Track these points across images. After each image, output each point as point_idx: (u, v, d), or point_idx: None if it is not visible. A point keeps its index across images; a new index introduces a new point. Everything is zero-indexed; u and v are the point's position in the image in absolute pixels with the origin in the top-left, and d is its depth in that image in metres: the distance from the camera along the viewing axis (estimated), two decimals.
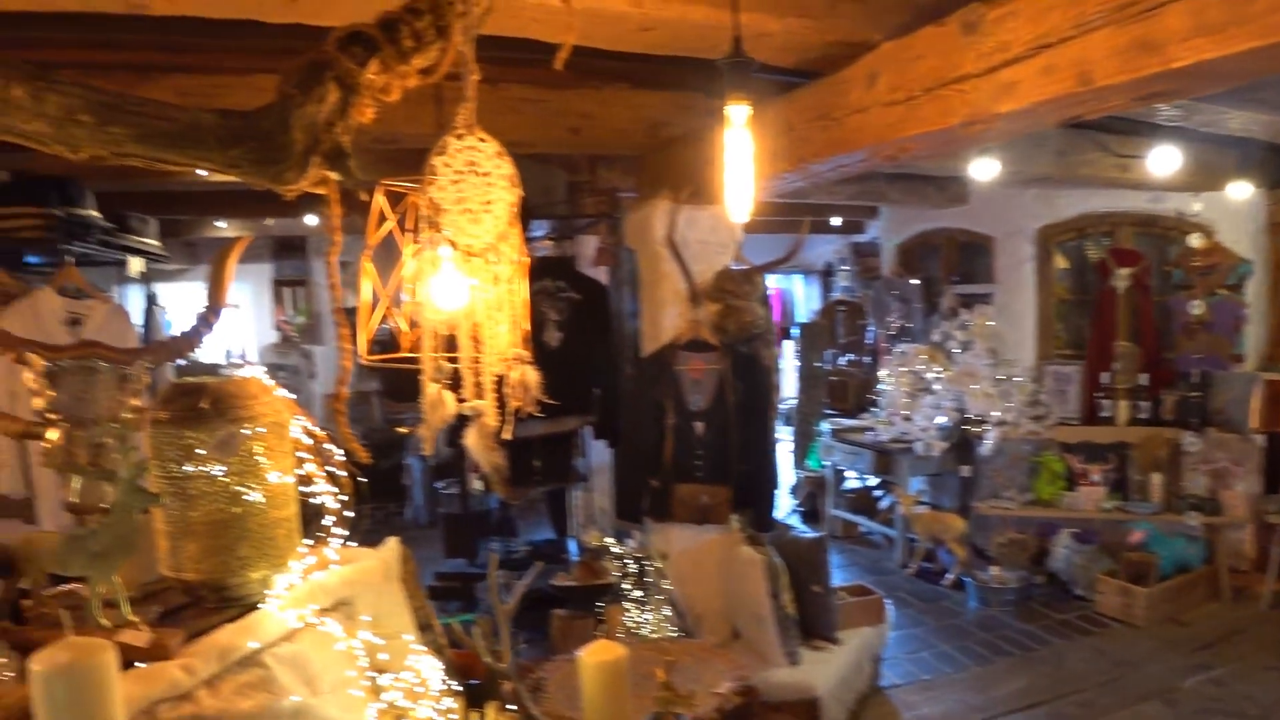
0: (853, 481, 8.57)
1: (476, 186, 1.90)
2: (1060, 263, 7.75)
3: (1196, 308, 6.79)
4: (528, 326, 1.99)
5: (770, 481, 4.88)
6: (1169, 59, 2.20)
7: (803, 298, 13.25)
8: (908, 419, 7.24)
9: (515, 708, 2.11)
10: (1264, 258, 6.80)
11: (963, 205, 7.97)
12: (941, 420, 7.04)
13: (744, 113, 2.42)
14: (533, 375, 1.94)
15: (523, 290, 2.01)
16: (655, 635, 4.35)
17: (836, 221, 9.95)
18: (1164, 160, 5.26)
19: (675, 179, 4.64)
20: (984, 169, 5.16)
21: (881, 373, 7.85)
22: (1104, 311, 7.14)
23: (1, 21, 2.71)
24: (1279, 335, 6.85)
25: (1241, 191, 5.89)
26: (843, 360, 9.49)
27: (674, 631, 4.46)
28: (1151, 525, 6.37)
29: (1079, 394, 7.23)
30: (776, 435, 5.28)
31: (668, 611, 4.53)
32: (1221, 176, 5.95)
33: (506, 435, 1.94)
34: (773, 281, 13.24)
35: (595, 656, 2.03)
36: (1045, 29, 2.52)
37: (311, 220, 8.24)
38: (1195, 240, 6.81)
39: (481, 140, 1.92)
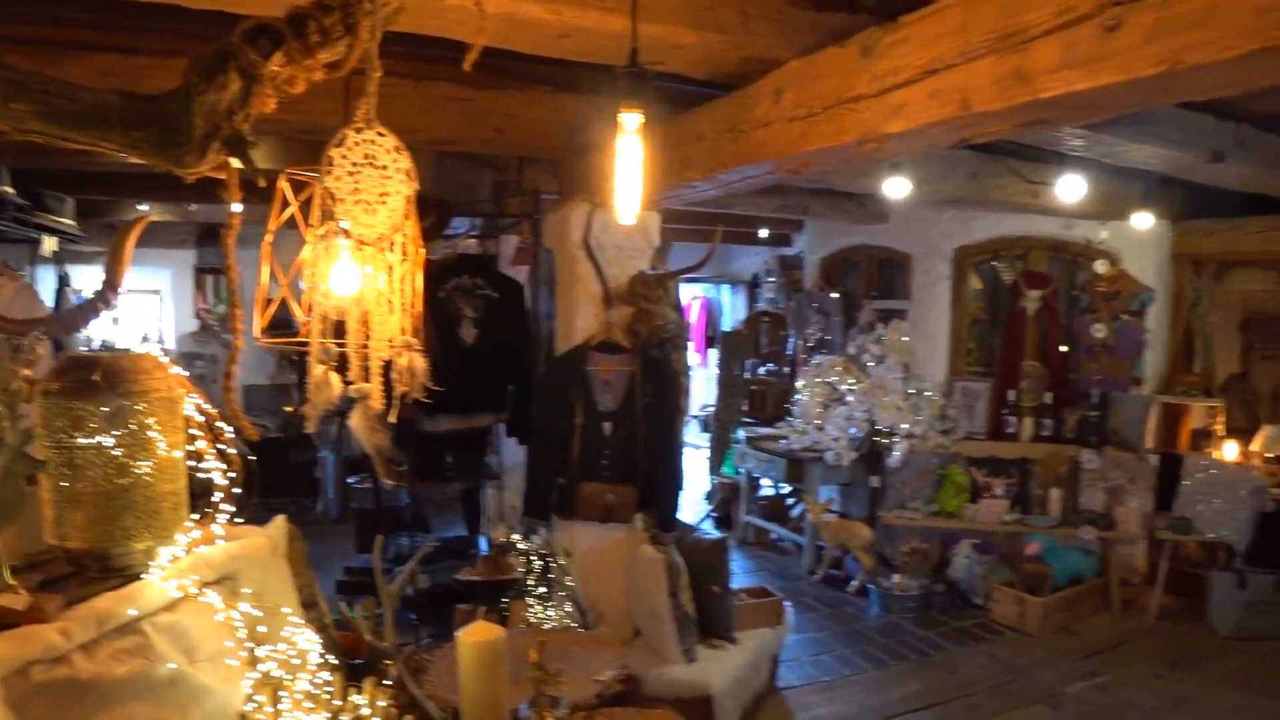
0: (767, 489, 8.73)
1: (373, 179, 1.97)
2: (974, 283, 8.01)
3: (1100, 331, 7.03)
4: (419, 313, 2.06)
5: (675, 483, 4.95)
6: (1038, 89, 2.35)
7: (730, 307, 13.40)
8: (820, 429, 7.38)
9: (392, 684, 2.18)
10: (1165, 287, 7.07)
11: (883, 223, 8.22)
12: (853, 431, 7.20)
13: (636, 120, 2.52)
14: (420, 362, 2.01)
15: (417, 280, 2.08)
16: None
17: (764, 233, 10.14)
18: (1071, 188, 5.42)
19: (592, 182, 4.71)
20: (895, 187, 5.29)
21: (798, 383, 8.00)
22: (1014, 331, 7.40)
23: None
24: (1177, 361, 7.12)
25: (1144, 222, 6.06)
26: (763, 370, 9.65)
27: (576, 627, 4.53)
28: (1048, 538, 6.62)
29: (986, 410, 7.47)
30: (684, 438, 5.37)
31: (570, 608, 4.60)
32: (1126, 207, 6.13)
33: (392, 419, 2.01)
34: (700, 291, 13.40)
35: (473, 636, 2.11)
36: (934, 55, 2.66)
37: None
38: (1101, 267, 7.05)
39: (380, 134, 1.99)
